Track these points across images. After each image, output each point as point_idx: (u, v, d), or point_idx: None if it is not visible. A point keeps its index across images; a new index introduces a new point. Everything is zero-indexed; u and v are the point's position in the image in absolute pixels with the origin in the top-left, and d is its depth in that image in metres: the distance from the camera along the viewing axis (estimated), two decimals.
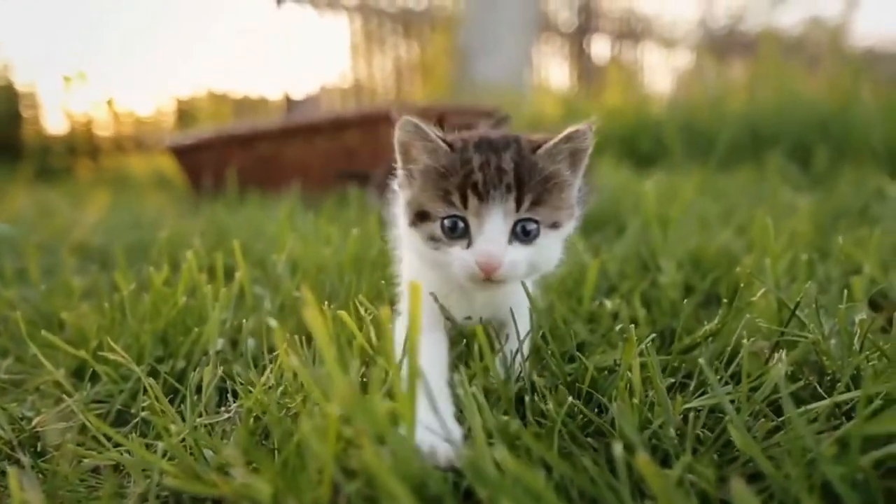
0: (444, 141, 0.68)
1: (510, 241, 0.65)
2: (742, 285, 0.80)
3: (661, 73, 7.61)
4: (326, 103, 6.55)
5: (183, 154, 2.60)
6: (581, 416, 0.62)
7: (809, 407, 0.60)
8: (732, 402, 0.61)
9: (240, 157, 2.38)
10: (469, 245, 0.65)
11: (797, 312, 0.74)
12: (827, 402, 0.58)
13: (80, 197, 3.05)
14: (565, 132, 0.67)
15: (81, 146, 5.44)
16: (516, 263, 0.65)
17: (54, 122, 5.55)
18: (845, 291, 0.77)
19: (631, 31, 7.30)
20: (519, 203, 0.65)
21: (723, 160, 2.47)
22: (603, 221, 1.48)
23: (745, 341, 0.70)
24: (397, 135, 0.69)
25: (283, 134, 2.45)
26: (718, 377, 0.67)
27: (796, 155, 2.23)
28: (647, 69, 7.44)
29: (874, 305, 0.92)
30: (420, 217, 0.68)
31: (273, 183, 2.24)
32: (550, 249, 0.68)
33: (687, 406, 0.63)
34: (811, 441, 0.50)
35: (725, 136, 2.44)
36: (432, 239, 0.67)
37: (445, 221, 0.66)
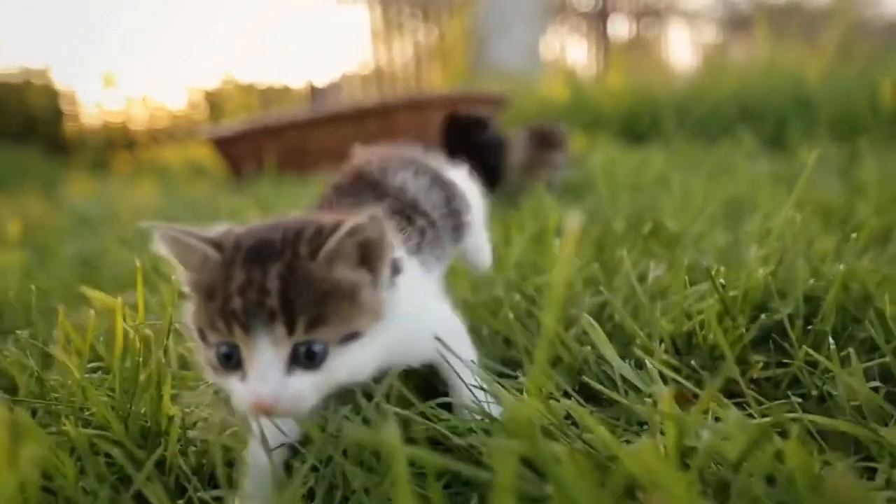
0: (213, 244, 0.57)
1: (291, 370, 0.54)
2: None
3: (684, 49, 7.78)
4: (348, 90, 6.92)
5: (222, 144, 2.98)
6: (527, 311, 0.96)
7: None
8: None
9: (272, 145, 2.75)
10: (243, 378, 0.55)
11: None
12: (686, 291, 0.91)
13: (128, 186, 3.46)
14: (345, 226, 0.55)
15: (118, 140, 5.92)
16: (299, 396, 0.54)
17: (91, 118, 6.04)
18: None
19: (651, 8, 7.48)
20: (291, 328, 0.53)
21: (713, 135, 2.76)
22: (585, 188, 1.81)
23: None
24: (163, 246, 0.58)
25: (310, 124, 2.81)
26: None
27: (776, 128, 2.51)
28: (669, 46, 7.62)
29: None
30: (200, 335, 0.57)
31: (301, 168, 2.59)
32: (358, 360, 0.57)
33: (602, 300, 0.97)
34: (652, 309, 0.84)
35: (714, 114, 2.73)
36: (211, 366, 0.57)
37: (220, 348, 0.55)
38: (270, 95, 6.82)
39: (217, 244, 0.57)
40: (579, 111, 3.39)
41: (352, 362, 0.56)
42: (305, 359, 0.54)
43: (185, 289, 0.60)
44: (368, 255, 0.58)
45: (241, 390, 0.54)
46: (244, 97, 6.53)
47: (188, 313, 0.59)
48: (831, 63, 2.78)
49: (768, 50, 3.32)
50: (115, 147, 5.87)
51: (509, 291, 1.03)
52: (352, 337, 0.56)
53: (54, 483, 0.58)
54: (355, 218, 0.55)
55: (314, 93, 6.68)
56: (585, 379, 0.76)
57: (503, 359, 0.83)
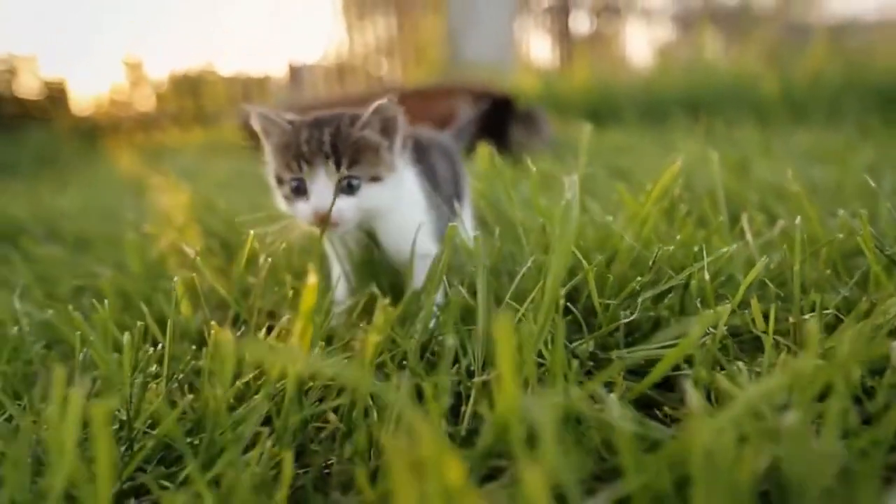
0: (288, 122, 0.88)
1: (338, 195, 0.84)
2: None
3: (640, 46, 8.63)
4: (323, 77, 7.49)
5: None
6: None
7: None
8: None
9: None
10: (307, 200, 0.85)
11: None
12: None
13: (156, 163, 4.05)
14: (373, 106, 0.85)
15: (107, 126, 6.38)
16: (343, 210, 0.84)
17: (81, 106, 6.49)
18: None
19: (610, 6, 8.27)
20: (338, 165, 0.83)
21: (660, 120, 3.58)
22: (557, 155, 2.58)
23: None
24: (256, 122, 0.90)
25: (341, 104, 3.47)
26: None
27: (709, 115, 3.35)
28: (627, 42, 8.44)
29: None
30: (278, 181, 0.89)
31: None
32: (379, 197, 0.87)
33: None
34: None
35: (661, 104, 3.55)
36: (286, 197, 0.88)
37: (292, 183, 0.86)
38: (250, 84, 7.32)
39: (290, 121, 0.89)
40: (548, 101, 4.16)
41: (376, 195, 0.87)
42: (347, 188, 0.84)
43: (267, 157, 0.91)
44: (387, 127, 0.88)
45: (305, 209, 0.85)
46: (226, 86, 7.03)
47: (269, 172, 0.91)
48: (755, 61, 3.62)
49: (709, 50, 4.19)
50: (105, 132, 6.32)
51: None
52: (376, 179, 0.86)
53: None
54: (379, 101, 0.85)
55: (294, 76, 7.26)
56: None
57: None
